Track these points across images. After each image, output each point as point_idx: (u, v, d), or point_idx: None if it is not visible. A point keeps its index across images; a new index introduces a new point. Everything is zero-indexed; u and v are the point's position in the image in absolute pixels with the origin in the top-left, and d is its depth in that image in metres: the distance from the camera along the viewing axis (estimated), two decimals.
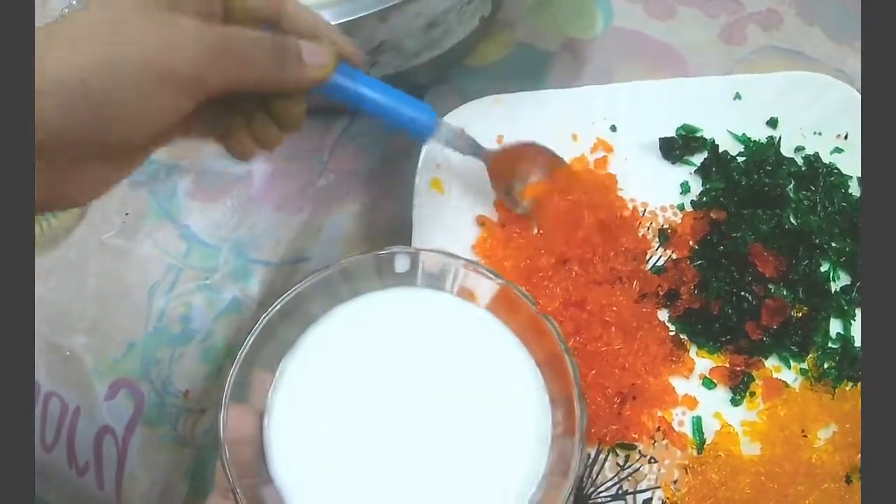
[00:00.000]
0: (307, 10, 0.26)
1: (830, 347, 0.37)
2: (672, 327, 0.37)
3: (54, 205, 0.23)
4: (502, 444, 0.25)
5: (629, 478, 0.34)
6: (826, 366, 0.37)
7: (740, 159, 0.42)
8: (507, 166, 0.38)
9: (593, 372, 0.35)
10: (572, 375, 0.25)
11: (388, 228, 0.42)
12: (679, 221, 0.40)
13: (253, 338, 0.25)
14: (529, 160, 0.38)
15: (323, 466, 0.24)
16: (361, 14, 0.35)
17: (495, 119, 0.41)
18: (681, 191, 0.41)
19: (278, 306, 0.25)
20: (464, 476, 0.24)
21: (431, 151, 0.39)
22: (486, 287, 0.27)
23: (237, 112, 0.26)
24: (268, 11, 0.25)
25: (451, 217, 0.38)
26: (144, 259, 0.42)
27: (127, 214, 0.44)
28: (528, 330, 0.27)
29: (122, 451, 0.38)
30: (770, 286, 0.38)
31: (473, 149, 0.36)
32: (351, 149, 0.44)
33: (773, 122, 0.43)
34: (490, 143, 0.41)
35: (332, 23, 0.34)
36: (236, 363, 0.24)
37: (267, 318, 0.25)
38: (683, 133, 0.42)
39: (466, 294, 0.28)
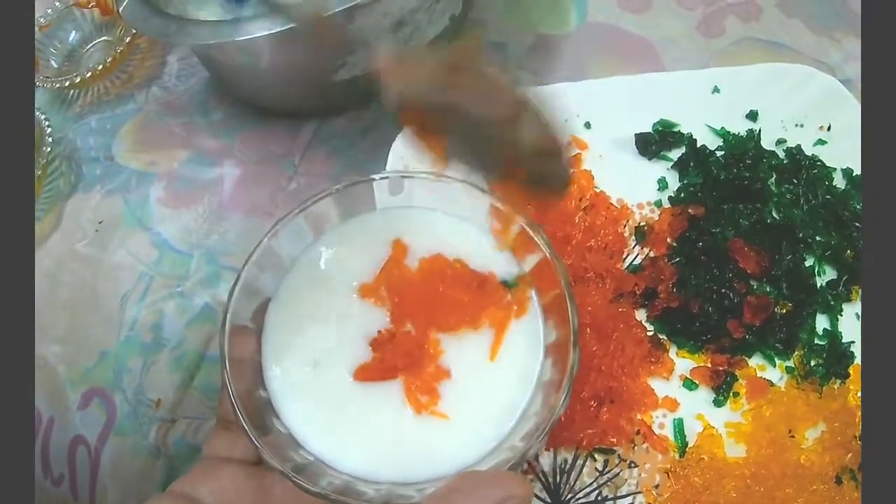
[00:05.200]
0: None
1: (817, 344, 0.36)
2: (650, 327, 0.36)
3: None
4: (490, 343, 0.25)
5: (608, 483, 0.33)
6: (813, 363, 0.35)
7: (719, 153, 0.41)
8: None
9: None
10: (562, 278, 0.25)
11: None
12: (656, 218, 0.39)
13: (253, 258, 0.26)
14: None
15: (312, 383, 0.25)
16: (327, 14, 0.34)
17: None
18: (658, 187, 0.40)
19: (269, 237, 0.26)
20: (454, 390, 0.25)
21: (399, 153, 0.38)
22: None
23: None
24: None
25: None
26: (117, 267, 0.42)
27: (100, 223, 0.44)
28: (518, 240, 0.27)
29: (94, 461, 0.38)
30: (752, 282, 0.37)
31: None
32: (321, 152, 0.44)
33: (752, 115, 0.42)
34: None
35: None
36: (237, 283, 0.25)
37: (265, 241, 0.26)
38: (660, 128, 0.41)
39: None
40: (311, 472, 0.23)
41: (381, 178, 0.28)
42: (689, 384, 0.35)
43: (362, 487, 0.23)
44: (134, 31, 0.48)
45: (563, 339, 0.25)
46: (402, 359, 0.24)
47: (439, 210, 0.28)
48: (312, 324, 0.26)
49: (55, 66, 0.50)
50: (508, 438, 0.24)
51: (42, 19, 0.50)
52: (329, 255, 0.28)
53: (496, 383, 0.25)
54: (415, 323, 0.25)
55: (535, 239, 0.26)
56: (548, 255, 0.26)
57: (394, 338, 0.25)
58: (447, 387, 0.25)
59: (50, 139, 0.44)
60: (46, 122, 0.45)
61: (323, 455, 0.24)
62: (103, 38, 0.51)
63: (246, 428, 0.23)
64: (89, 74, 0.46)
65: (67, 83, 0.47)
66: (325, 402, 0.25)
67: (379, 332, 0.25)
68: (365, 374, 0.25)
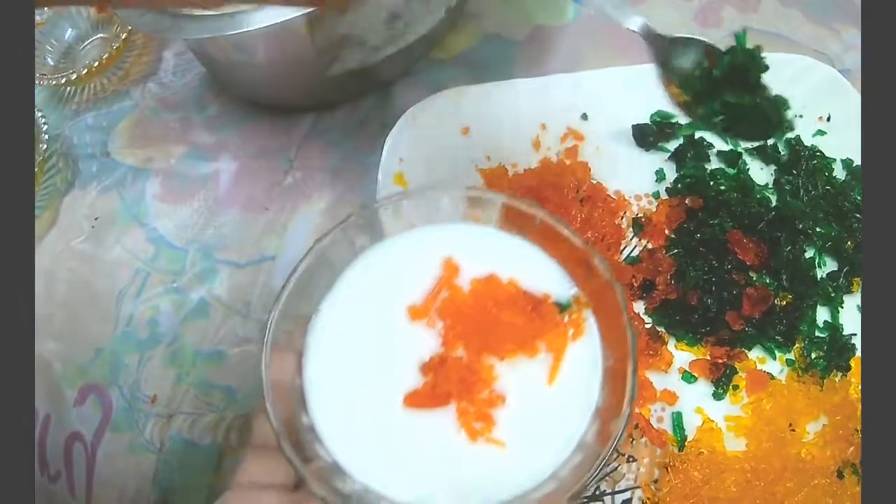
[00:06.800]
0: None
1: (818, 336, 0.35)
2: (648, 320, 0.36)
3: None
4: (547, 367, 0.24)
5: (607, 478, 0.33)
6: (814, 356, 0.35)
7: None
8: None
9: None
10: (620, 302, 0.24)
11: None
12: (654, 210, 0.39)
13: (291, 285, 0.25)
14: None
15: (359, 408, 0.24)
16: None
17: (461, 111, 0.40)
18: (655, 178, 0.40)
19: (310, 256, 0.25)
20: (509, 415, 0.23)
21: (394, 146, 0.38)
22: (529, 218, 0.26)
23: None
24: None
25: None
26: (113, 264, 0.42)
27: (96, 219, 0.44)
28: (572, 261, 0.26)
29: (91, 458, 0.38)
30: (751, 274, 0.36)
31: None
32: (317, 146, 0.44)
33: None
34: (455, 137, 0.40)
35: (291, 17, 0.34)
36: (277, 305, 0.24)
37: (302, 266, 0.25)
38: (658, 119, 0.41)
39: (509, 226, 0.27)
40: (359, 502, 0.22)
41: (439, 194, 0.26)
42: (688, 377, 0.35)
43: None
44: (129, 27, 0.48)
45: (620, 363, 0.24)
46: (455, 384, 0.23)
47: (490, 225, 0.27)
48: (358, 346, 0.25)
49: (51, 63, 0.50)
50: (564, 467, 0.23)
51: (38, 17, 0.50)
52: (375, 273, 0.26)
53: (555, 409, 0.24)
54: (467, 347, 0.24)
55: (592, 258, 0.25)
56: (604, 274, 0.25)
57: (445, 362, 0.24)
58: (502, 413, 0.24)
59: (46, 136, 0.44)
60: (43, 120, 0.45)
61: (371, 484, 0.23)
62: (99, 35, 0.51)
63: (290, 456, 0.22)
64: (85, 71, 0.46)
65: (64, 80, 0.47)
66: (373, 429, 0.24)
67: (430, 357, 0.24)
68: (416, 400, 0.23)
